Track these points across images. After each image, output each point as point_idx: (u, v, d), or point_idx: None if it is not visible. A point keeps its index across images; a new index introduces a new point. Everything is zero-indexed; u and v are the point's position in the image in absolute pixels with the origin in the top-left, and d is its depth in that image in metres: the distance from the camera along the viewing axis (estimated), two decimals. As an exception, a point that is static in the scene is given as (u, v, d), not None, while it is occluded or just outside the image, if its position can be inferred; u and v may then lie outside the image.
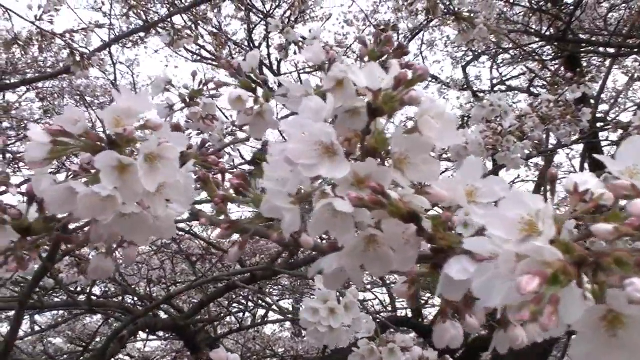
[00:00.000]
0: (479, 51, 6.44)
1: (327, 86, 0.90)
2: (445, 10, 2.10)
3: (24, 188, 0.81)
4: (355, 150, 0.62)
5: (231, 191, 0.83)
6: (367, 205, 0.55)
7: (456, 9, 2.13)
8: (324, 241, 0.76)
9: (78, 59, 2.57)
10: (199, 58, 8.15)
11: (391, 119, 0.62)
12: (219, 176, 0.93)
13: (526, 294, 0.38)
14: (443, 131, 0.59)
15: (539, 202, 0.44)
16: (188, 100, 1.50)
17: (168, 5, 4.76)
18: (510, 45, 4.97)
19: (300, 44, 2.38)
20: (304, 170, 0.58)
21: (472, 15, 2.03)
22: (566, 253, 0.43)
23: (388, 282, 6.45)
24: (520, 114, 2.36)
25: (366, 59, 0.95)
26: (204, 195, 0.89)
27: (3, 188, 0.96)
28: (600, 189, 0.54)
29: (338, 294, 1.50)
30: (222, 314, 5.63)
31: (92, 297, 2.98)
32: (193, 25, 2.95)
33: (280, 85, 1.03)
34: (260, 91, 1.01)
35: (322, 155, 0.58)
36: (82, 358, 3.28)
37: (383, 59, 0.94)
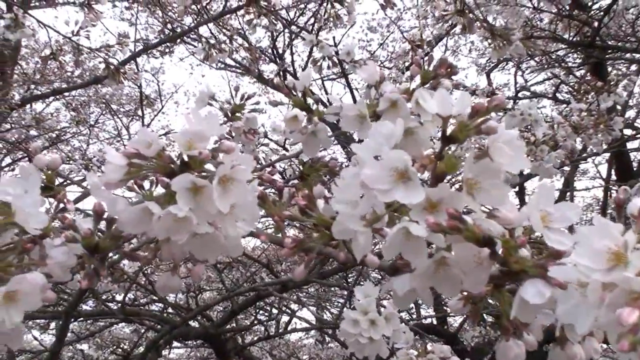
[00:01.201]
0: (503, 57, 6.43)
1: (382, 106, 0.93)
2: (480, 27, 2.11)
3: (88, 206, 0.84)
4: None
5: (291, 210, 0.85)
6: (445, 231, 0.57)
7: (490, 24, 2.14)
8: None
9: (114, 72, 2.62)
10: (223, 66, 8.23)
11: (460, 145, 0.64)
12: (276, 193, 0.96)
13: (627, 325, 0.39)
14: (513, 157, 0.61)
15: (627, 233, 0.46)
16: (230, 114, 1.53)
17: (195, 16, 4.81)
18: (536, 52, 4.95)
19: (334, 58, 2.40)
20: (379, 195, 0.60)
21: (508, 31, 2.04)
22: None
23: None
24: (552, 123, 2.37)
25: (417, 78, 0.97)
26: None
27: (62, 205, 0.99)
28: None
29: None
30: (251, 323, 5.66)
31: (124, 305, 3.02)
32: (227, 40, 2.98)
33: (331, 104, 1.05)
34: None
35: (397, 181, 0.60)
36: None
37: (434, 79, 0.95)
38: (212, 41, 2.81)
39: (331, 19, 2.37)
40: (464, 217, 0.57)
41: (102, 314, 2.77)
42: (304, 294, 6.88)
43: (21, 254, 0.75)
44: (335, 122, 1.04)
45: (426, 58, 1.00)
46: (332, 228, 0.67)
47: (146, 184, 0.80)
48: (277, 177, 1.05)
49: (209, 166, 0.74)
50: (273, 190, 0.99)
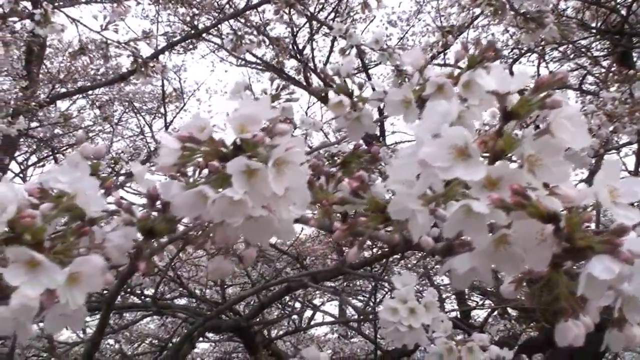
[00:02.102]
0: (526, 48, 6.36)
1: (429, 91, 0.92)
2: (512, 11, 2.10)
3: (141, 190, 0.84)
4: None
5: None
6: (508, 207, 0.56)
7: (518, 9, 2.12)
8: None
9: (142, 66, 2.64)
10: (244, 63, 8.24)
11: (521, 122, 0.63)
12: (322, 178, 0.96)
13: None
14: (575, 133, 0.60)
15: None
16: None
17: (218, 12, 4.82)
18: (569, 35, 4.90)
19: (362, 47, 2.40)
20: (440, 173, 0.60)
21: (541, 14, 2.02)
22: None
23: (436, 282, 6.44)
24: (586, 112, 2.35)
25: (463, 62, 0.97)
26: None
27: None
28: None
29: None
30: (280, 316, 5.68)
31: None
32: (255, 31, 2.98)
33: (374, 89, 1.05)
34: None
35: (457, 158, 0.60)
36: (160, 358, 3.35)
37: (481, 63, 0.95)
38: (240, 32, 2.82)
39: (358, 8, 2.36)
40: (527, 193, 0.57)
41: (134, 306, 2.79)
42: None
43: (79, 238, 0.75)
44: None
45: (469, 43, 1.00)
46: (389, 208, 0.67)
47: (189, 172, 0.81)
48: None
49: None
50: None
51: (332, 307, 7.75)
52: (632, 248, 0.50)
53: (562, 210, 0.62)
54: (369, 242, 0.81)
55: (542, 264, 0.60)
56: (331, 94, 1.00)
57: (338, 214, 0.92)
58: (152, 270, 0.79)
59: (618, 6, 4.56)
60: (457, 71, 0.97)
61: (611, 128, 2.29)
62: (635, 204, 0.59)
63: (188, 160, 0.73)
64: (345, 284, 6.51)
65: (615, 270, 0.53)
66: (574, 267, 0.67)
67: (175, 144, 0.71)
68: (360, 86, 1.01)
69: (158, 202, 0.81)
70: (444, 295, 6.85)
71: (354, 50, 2.64)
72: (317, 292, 6.36)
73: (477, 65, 0.92)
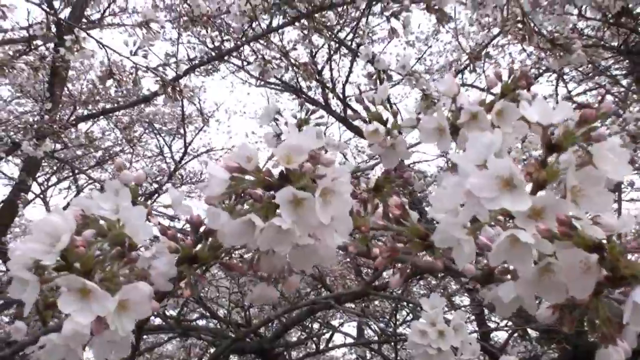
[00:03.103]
0: (544, 68, 6.37)
1: (464, 119, 0.94)
2: (540, 38, 2.11)
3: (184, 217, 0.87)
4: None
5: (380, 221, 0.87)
6: (555, 237, 0.58)
7: (550, 35, 2.14)
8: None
9: (171, 90, 2.68)
10: (262, 83, 8.30)
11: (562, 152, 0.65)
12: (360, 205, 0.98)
13: None
14: (617, 164, 0.62)
15: None
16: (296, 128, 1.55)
17: (240, 35, 4.87)
18: (597, 59, 4.91)
19: (389, 71, 2.43)
20: (486, 203, 0.61)
21: (569, 40, 2.04)
22: None
23: (455, 303, 6.40)
24: (609, 133, 2.35)
25: (496, 90, 0.98)
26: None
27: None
28: None
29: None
30: (304, 338, 5.67)
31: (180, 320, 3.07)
32: (282, 55, 3.02)
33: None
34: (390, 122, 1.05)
35: (502, 189, 0.62)
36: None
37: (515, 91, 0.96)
38: (267, 57, 2.86)
39: (389, 33, 2.39)
40: (574, 223, 0.58)
41: (161, 328, 2.81)
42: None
43: (125, 265, 0.78)
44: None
45: (494, 68, 1.02)
46: (434, 236, 0.68)
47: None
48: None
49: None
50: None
51: (350, 328, 7.73)
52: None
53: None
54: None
55: (585, 292, 0.62)
56: (364, 124, 1.02)
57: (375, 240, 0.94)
58: (194, 295, 0.81)
59: (638, 26, 4.56)
60: (489, 98, 0.99)
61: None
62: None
63: (235, 190, 0.75)
64: (364, 304, 6.49)
65: (660, 299, 0.54)
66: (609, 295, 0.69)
67: (225, 174, 0.73)
68: (395, 114, 1.03)
69: (201, 229, 0.84)
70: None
71: (385, 77, 2.67)
72: (338, 313, 6.36)
73: (510, 93, 0.94)
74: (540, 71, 6.50)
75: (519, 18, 1.97)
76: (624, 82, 5.89)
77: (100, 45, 2.61)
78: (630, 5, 3.80)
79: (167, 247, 0.81)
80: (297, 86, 7.67)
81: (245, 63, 6.41)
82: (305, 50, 8.23)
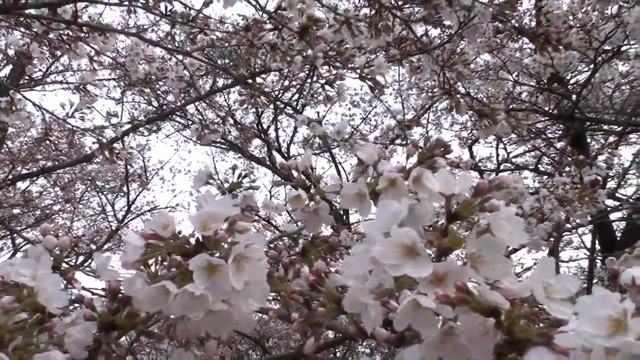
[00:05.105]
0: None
1: (382, 185, 0.97)
2: (468, 108, 2.21)
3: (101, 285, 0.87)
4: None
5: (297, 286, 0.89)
6: (453, 302, 0.61)
7: (479, 102, 2.23)
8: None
9: (107, 152, 2.67)
10: (208, 142, 8.31)
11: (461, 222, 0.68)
12: (282, 270, 0.99)
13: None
14: (513, 232, 0.65)
15: (625, 301, 0.50)
16: (228, 192, 1.57)
17: (183, 94, 4.92)
18: (521, 130, 5.11)
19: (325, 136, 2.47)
20: (389, 270, 0.64)
21: (494, 112, 2.12)
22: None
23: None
24: (538, 197, 2.44)
25: (413, 158, 1.02)
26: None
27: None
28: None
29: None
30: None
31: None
32: (221, 121, 3.06)
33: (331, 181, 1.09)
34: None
35: (405, 256, 0.64)
36: None
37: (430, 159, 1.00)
38: (199, 118, 2.89)
39: (322, 100, 2.45)
40: (470, 289, 0.61)
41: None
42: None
43: (40, 333, 0.77)
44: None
45: (421, 137, 1.06)
46: (344, 301, 0.70)
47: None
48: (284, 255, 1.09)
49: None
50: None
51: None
52: (561, 342, 0.54)
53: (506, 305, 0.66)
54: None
55: (485, 355, 0.64)
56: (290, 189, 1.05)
57: (300, 303, 0.95)
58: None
59: (569, 92, 4.78)
60: (409, 166, 1.02)
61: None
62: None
63: (151, 257, 0.76)
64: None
65: (549, 362, 0.57)
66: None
67: (140, 241, 0.74)
68: (317, 180, 1.06)
69: (119, 296, 0.83)
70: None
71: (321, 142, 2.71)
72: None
73: (427, 161, 0.98)
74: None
75: (446, 89, 2.06)
76: (559, 145, 6.11)
77: (37, 108, 2.60)
78: (560, 73, 3.98)
79: (82, 314, 0.81)
80: (242, 146, 7.73)
81: (190, 122, 6.45)
82: (251, 110, 8.33)
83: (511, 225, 0.65)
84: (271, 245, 1.21)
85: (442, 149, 1.02)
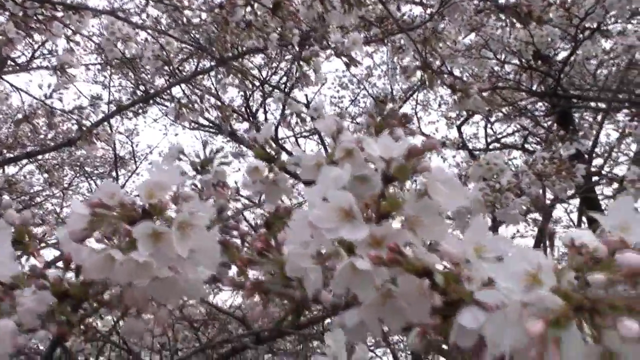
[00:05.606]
0: (472, 110, 6.57)
1: (338, 155, 0.98)
2: (440, 82, 2.21)
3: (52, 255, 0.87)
4: (371, 214, 0.69)
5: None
6: (385, 263, 0.61)
7: (450, 79, 2.24)
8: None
9: (86, 134, 2.66)
10: (196, 126, 8.29)
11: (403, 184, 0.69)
12: (239, 240, 1.00)
13: (533, 335, 0.44)
14: (450, 195, 0.66)
15: (540, 257, 0.51)
16: (200, 168, 1.57)
17: (168, 77, 4.89)
18: (503, 103, 5.12)
19: (303, 115, 2.48)
20: (326, 233, 0.64)
21: (467, 85, 2.13)
22: (565, 300, 0.49)
23: (392, 342, 6.43)
24: (516, 171, 2.45)
25: (372, 128, 1.03)
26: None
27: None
28: (595, 242, 0.60)
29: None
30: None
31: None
32: (198, 99, 3.04)
33: (291, 155, 1.10)
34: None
35: (343, 220, 0.65)
36: None
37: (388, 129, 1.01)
38: (184, 100, 2.88)
39: (301, 78, 2.45)
40: (403, 250, 0.62)
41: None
42: (282, 351, 6.80)
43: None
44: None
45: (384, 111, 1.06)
46: (285, 267, 0.71)
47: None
48: (243, 225, 1.09)
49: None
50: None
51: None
52: (483, 298, 0.55)
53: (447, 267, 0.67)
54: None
55: (423, 315, 0.65)
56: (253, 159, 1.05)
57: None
58: (64, 333, 0.81)
59: (551, 70, 4.78)
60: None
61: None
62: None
63: (98, 225, 0.76)
64: (301, 346, 6.45)
65: (480, 319, 0.58)
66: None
67: (84, 210, 0.74)
68: (277, 152, 1.06)
69: (72, 266, 0.84)
70: (401, 355, 6.82)
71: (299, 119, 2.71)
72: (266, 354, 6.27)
73: (382, 131, 0.99)
74: (470, 113, 6.71)
75: (418, 63, 2.07)
76: (547, 124, 6.12)
77: (14, 89, 2.59)
78: (541, 51, 3.98)
79: (34, 284, 0.81)
80: (230, 128, 7.70)
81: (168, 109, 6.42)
82: (239, 93, 8.29)
83: (448, 188, 0.66)
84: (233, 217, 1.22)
85: (401, 119, 1.03)
